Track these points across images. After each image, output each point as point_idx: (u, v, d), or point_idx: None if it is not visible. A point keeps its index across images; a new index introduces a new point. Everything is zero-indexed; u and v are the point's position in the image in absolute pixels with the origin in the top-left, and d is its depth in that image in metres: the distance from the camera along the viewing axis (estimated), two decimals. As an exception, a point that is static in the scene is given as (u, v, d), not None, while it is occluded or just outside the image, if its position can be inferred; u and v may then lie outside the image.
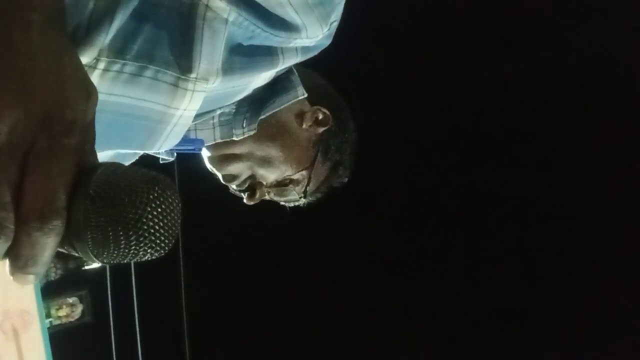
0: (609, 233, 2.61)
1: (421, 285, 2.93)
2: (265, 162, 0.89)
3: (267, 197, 0.95)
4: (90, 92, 0.37)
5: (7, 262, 0.35)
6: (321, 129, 0.91)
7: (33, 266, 0.34)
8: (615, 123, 2.59)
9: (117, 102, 0.60)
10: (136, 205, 0.35)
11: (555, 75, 2.61)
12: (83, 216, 0.35)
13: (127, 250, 0.36)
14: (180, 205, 0.38)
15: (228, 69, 0.64)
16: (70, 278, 3.18)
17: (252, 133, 0.84)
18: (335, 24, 0.69)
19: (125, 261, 0.37)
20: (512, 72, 2.59)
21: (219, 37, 0.60)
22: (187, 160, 0.91)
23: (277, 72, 0.79)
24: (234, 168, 0.90)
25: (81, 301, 3.31)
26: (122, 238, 0.35)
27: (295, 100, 0.85)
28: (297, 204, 0.99)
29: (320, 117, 0.91)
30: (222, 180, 0.93)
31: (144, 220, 0.36)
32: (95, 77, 0.56)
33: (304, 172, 0.92)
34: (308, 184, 0.93)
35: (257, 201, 0.93)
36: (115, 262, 0.37)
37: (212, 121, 0.84)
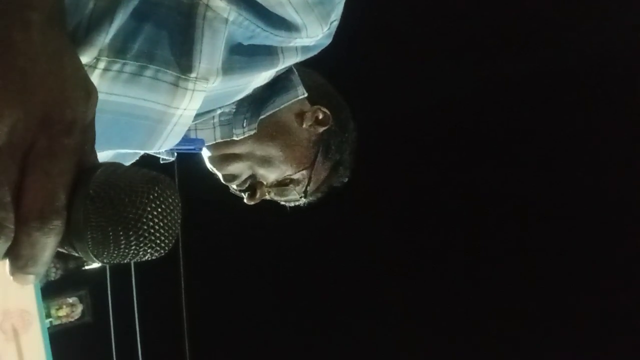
0: (609, 233, 2.62)
1: (421, 285, 2.93)
2: (266, 161, 0.88)
3: (267, 197, 0.95)
4: (90, 92, 0.37)
5: (7, 262, 0.35)
6: (321, 129, 0.91)
7: (33, 266, 0.34)
8: (615, 123, 2.59)
9: (118, 102, 0.60)
10: (136, 205, 0.35)
11: (555, 74, 2.61)
12: (83, 216, 0.35)
13: (127, 250, 0.36)
14: (180, 205, 0.38)
15: (228, 68, 0.64)
16: (70, 278, 3.18)
17: (252, 133, 0.84)
18: (335, 24, 0.69)
19: (125, 261, 0.37)
20: (512, 72, 2.59)
21: (219, 36, 0.60)
22: (187, 160, 0.91)
23: (277, 71, 0.79)
24: (235, 168, 0.90)
25: (81, 301, 3.32)
26: (122, 238, 0.35)
27: (296, 99, 0.85)
28: (297, 203, 0.99)
29: (321, 116, 0.91)
30: (222, 180, 0.92)
31: (144, 220, 0.36)
32: (95, 77, 0.56)
33: (304, 172, 0.92)
34: (308, 184, 0.93)
35: (258, 201, 0.93)
36: (115, 262, 0.37)
37: (212, 121, 0.84)
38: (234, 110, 0.83)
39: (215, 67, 0.62)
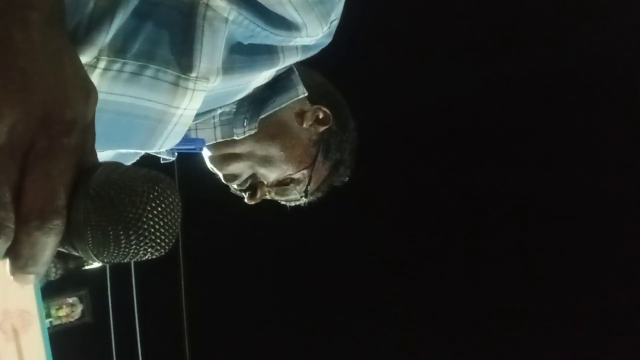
0: (609, 233, 2.62)
1: (421, 284, 2.93)
2: (266, 161, 0.88)
3: (268, 197, 0.95)
4: (90, 91, 0.37)
5: (7, 262, 0.35)
6: (322, 128, 0.91)
7: (33, 266, 0.34)
8: (615, 122, 2.59)
9: (118, 102, 0.60)
10: (136, 204, 0.35)
11: (555, 74, 2.61)
12: (83, 216, 0.35)
13: (127, 250, 0.36)
14: (180, 204, 0.38)
15: (228, 68, 0.64)
16: (70, 278, 3.18)
17: (252, 132, 0.84)
18: (336, 23, 0.69)
19: (125, 260, 0.37)
20: (512, 72, 2.59)
21: (219, 36, 0.60)
22: (187, 160, 0.91)
23: (277, 71, 0.79)
24: (235, 167, 0.90)
25: (81, 301, 3.32)
26: (122, 237, 0.35)
27: (296, 99, 0.85)
28: (298, 203, 0.99)
29: (321, 116, 0.91)
30: (223, 180, 0.92)
31: (144, 219, 0.36)
32: (95, 77, 0.56)
33: (304, 172, 0.92)
34: (309, 183, 0.93)
35: (258, 201, 0.93)
36: (115, 261, 0.37)
37: (212, 120, 0.84)
38: (234, 109, 0.83)
39: (216, 67, 0.62)
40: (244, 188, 0.93)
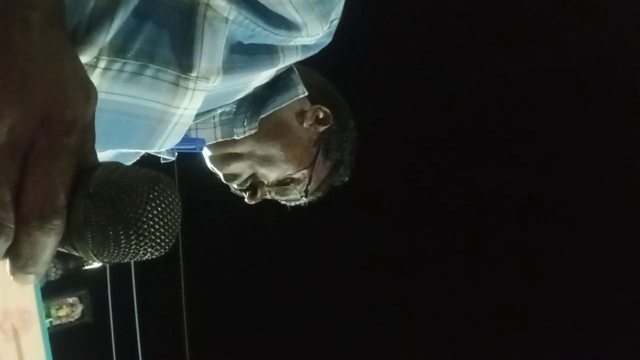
0: (609, 233, 2.61)
1: (421, 284, 2.93)
2: (267, 161, 0.88)
3: (268, 197, 0.95)
4: (90, 92, 0.37)
5: (7, 261, 0.35)
6: (322, 128, 0.91)
7: (33, 266, 0.34)
8: (615, 122, 2.59)
9: (118, 101, 0.60)
10: (136, 204, 0.35)
11: (555, 74, 2.61)
12: (83, 215, 0.35)
13: (127, 250, 0.36)
14: (180, 204, 0.38)
15: (228, 67, 0.64)
16: (70, 278, 3.18)
17: (253, 132, 0.84)
18: (336, 22, 0.69)
19: (125, 260, 0.37)
20: (512, 72, 2.59)
21: (219, 35, 0.60)
22: (187, 160, 0.91)
23: (277, 70, 0.79)
24: (235, 167, 0.90)
25: (81, 301, 3.32)
26: (122, 237, 0.35)
27: (296, 98, 0.85)
28: (298, 203, 0.99)
29: (321, 115, 0.91)
30: (223, 180, 0.92)
31: (144, 219, 0.36)
32: (95, 76, 0.56)
33: (305, 171, 0.92)
34: (309, 183, 0.93)
35: (259, 200, 0.93)
36: (115, 261, 0.37)
37: (212, 120, 0.84)
38: (234, 109, 0.83)
39: (216, 66, 0.62)
40: (244, 188, 0.93)
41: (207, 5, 0.58)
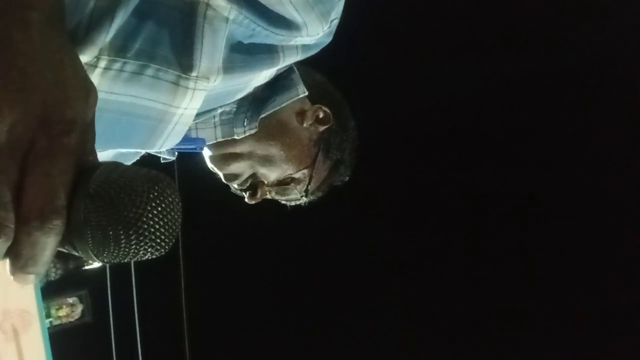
0: (609, 233, 2.61)
1: (421, 284, 2.93)
2: (267, 160, 0.88)
3: (268, 196, 0.95)
4: (90, 91, 0.37)
5: (7, 261, 0.35)
6: (322, 128, 0.91)
7: (33, 266, 0.34)
8: (615, 122, 2.59)
9: (118, 101, 0.60)
10: (136, 204, 0.35)
11: (555, 74, 2.61)
12: (83, 215, 0.35)
13: (127, 250, 0.36)
14: (180, 204, 0.38)
15: (229, 67, 0.64)
16: (70, 278, 3.18)
17: (253, 132, 0.84)
18: (336, 22, 0.69)
19: (125, 260, 0.37)
20: (512, 72, 2.59)
21: (219, 35, 0.60)
22: (187, 159, 0.91)
23: (277, 70, 0.79)
24: (236, 167, 0.90)
25: (81, 301, 3.32)
26: (122, 237, 0.35)
27: (296, 98, 0.85)
28: (298, 202, 0.99)
29: (321, 115, 0.91)
30: (223, 180, 0.92)
31: (144, 219, 0.36)
32: (96, 76, 0.56)
33: (305, 171, 0.92)
34: (309, 183, 0.93)
35: (259, 200, 0.93)
36: (115, 261, 0.37)
37: (213, 120, 0.84)
38: (234, 109, 0.83)
39: (216, 66, 0.62)
40: (245, 188, 0.93)
41: (208, 4, 0.59)
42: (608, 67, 2.55)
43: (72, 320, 3.27)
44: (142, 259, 0.38)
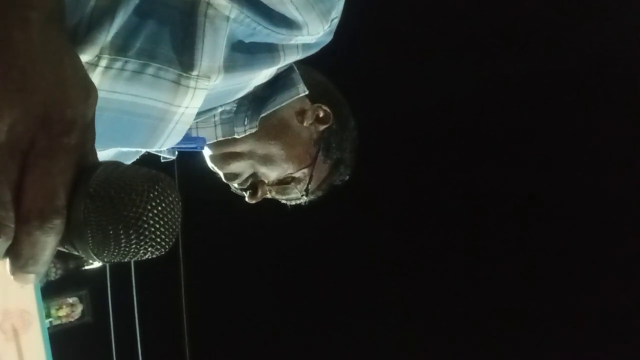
0: (609, 233, 2.61)
1: (421, 284, 2.93)
2: (267, 160, 0.88)
3: (268, 196, 0.95)
4: (90, 91, 0.37)
5: (7, 261, 0.35)
6: (322, 127, 0.91)
7: (33, 265, 0.34)
8: (615, 122, 2.59)
9: (119, 100, 0.60)
10: (136, 203, 0.35)
11: (555, 74, 2.61)
12: (83, 215, 0.35)
13: (127, 249, 0.36)
14: (180, 204, 0.38)
15: (229, 66, 0.64)
16: (70, 278, 3.18)
17: (253, 131, 0.84)
18: (336, 21, 0.69)
19: (125, 260, 0.37)
20: (512, 72, 2.59)
21: (220, 34, 0.60)
22: (187, 159, 0.91)
23: (278, 69, 0.79)
24: (236, 166, 0.90)
25: (81, 301, 3.31)
26: (122, 237, 0.35)
27: (296, 97, 0.85)
28: (298, 202, 0.99)
29: (321, 114, 0.91)
30: (223, 179, 0.92)
31: (144, 218, 0.36)
32: (97, 75, 0.56)
33: (305, 170, 0.92)
34: (309, 182, 0.93)
35: (259, 199, 0.93)
36: (115, 260, 0.37)
37: (213, 119, 0.84)
38: (235, 108, 0.83)
39: (217, 65, 0.62)
40: (245, 187, 0.93)
41: (209, 4, 0.59)
42: (608, 67, 2.55)
43: (72, 320, 3.27)
44: (142, 258, 0.38)
